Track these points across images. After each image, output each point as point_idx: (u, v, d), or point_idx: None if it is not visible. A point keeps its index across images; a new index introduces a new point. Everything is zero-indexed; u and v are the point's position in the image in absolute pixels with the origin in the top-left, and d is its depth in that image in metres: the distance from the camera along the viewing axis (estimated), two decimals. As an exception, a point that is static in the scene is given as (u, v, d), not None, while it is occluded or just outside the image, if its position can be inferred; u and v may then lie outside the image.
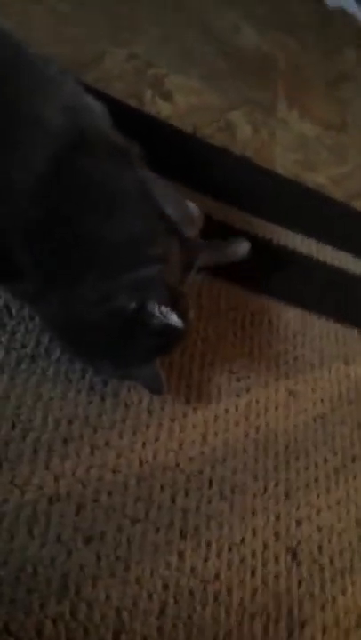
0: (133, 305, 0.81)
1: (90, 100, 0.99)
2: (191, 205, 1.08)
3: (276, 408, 1.02)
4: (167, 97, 1.42)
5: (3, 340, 0.89)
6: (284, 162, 1.46)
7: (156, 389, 0.90)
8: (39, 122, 0.88)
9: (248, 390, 1.02)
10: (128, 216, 0.90)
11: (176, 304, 0.83)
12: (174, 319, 0.80)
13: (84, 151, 0.88)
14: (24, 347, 0.90)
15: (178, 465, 0.89)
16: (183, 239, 0.99)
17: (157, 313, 0.80)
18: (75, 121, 0.90)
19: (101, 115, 0.99)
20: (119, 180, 0.91)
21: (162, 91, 1.42)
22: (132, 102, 1.36)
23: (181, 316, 0.82)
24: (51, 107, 0.90)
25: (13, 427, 0.83)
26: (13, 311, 0.92)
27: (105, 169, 0.90)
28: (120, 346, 0.84)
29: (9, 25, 1.04)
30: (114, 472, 0.85)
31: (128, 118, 1.07)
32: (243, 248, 1.12)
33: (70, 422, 0.87)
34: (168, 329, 0.82)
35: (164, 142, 1.29)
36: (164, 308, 0.80)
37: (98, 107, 1.00)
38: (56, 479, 0.81)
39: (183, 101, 1.44)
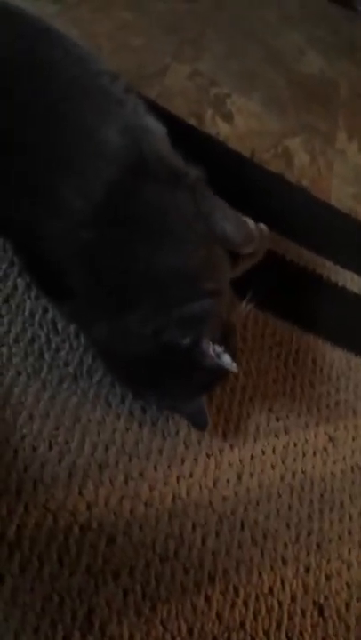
0: (187, 341, 0.79)
1: (151, 120, 0.98)
2: (253, 224, 1.05)
3: (315, 453, 0.99)
4: (228, 118, 1.40)
5: (47, 356, 0.88)
6: (340, 194, 1.43)
7: (199, 424, 0.88)
8: (98, 142, 0.87)
9: (287, 432, 1.00)
10: (183, 246, 0.88)
11: (228, 342, 0.81)
12: (227, 361, 0.78)
13: (142, 176, 0.87)
14: (67, 365, 0.89)
15: (211, 504, 0.87)
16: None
17: (211, 352, 0.78)
18: (134, 143, 0.89)
19: (161, 137, 0.97)
20: (176, 208, 0.89)
21: (223, 111, 1.41)
22: (192, 121, 1.35)
23: (232, 355, 0.79)
24: (111, 127, 0.88)
25: (50, 448, 0.81)
26: (59, 327, 0.91)
27: (162, 195, 0.88)
28: (168, 380, 0.82)
29: (75, 33, 1.03)
30: (146, 505, 0.83)
31: (187, 137, 1.05)
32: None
33: (107, 448, 0.85)
34: (219, 368, 0.80)
35: (221, 164, 1.27)
36: (217, 348, 0.78)
37: (158, 128, 0.98)
38: (89, 507, 0.79)
39: (243, 124, 1.42)
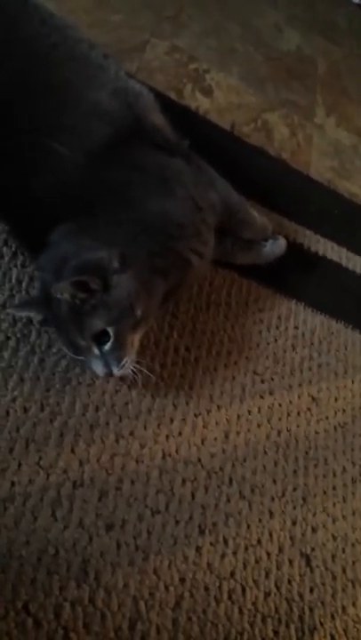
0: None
1: (136, 84, 1.01)
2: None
3: (298, 413, 1.02)
4: (207, 92, 1.42)
5: (35, 321, 0.89)
6: (319, 167, 1.45)
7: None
8: (88, 103, 0.90)
9: (271, 393, 1.02)
10: (181, 201, 0.92)
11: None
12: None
13: (139, 139, 0.91)
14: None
15: (199, 460, 0.89)
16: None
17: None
18: (128, 107, 0.93)
19: (151, 102, 1.01)
20: (176, 171, 0.94)
21: (202, 86, 1.42)
22: (172, 95, 1.36)
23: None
24: (100, 90, 0.92)
25: (42, 409, 0.83)
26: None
27: (160, 157, 0.93)
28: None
29: (53, 7, 1.04)
30: (137, 462, 0.85)
31: (167, 110, 1.06)
32: (280, 247, 1.12)
33: (97, 409, 0.87)
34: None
35: (202, 137, 1.28)
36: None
37: (146, 92, 1.02)
38: (81, 464, 0.81)
39: (222, 98, 1.43)
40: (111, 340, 0.78)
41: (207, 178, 1.03)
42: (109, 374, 0.80)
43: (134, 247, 0.82)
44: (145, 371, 0.84)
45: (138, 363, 0.84)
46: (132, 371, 0.82)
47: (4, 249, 0.93)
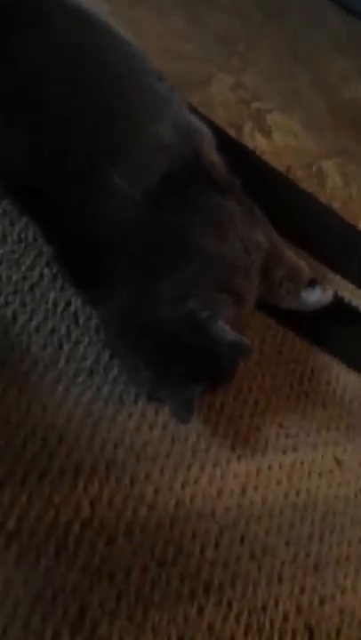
0: (205, 314, 0.81)
1: (197, 121, 1.01)
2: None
3: (320, 474, 0.99)
4: (266, 133, 1.41)
5: (65, 348, 0.88)
6: (369, 220, 1.43)
7: (182, 417, 0.85)
8: (150, 135, 0.91)
9: (295, 449, 0.99)
10: (233, 244, 0.92)
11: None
12: (236, 339, 0.81)
13: (194, 176, 0.92)
14: (84, 359, 0.89)
15: (213, 514, 0.86)
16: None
17: (223, 330, 0.81)
18: (187, 142, 0.93)
19: (209, 139, 1.01)
20: (229, 213, 0.94)
21: (262, 126, 1.41)
22: (231, 131, 1.35)
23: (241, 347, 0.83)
24: (162, 123, 0.93)
25: (60, 441, 0.81)
26: (80, 321, 0.91)
27: (213, 198, 0.93)
28: (172, 356, 0.83)
29: (127, 33, 1.05)
30: (149, 508, 0.82)
31: (225, 146, 1.06)
32: (326, 297, 1.09)
33: (116, 446, 0.85)
34: (226, 350, 0.82)
35: (256, 176, 1.27)
36: (230, 330, 0.81)
37: (206, 130, 1.02)
38: (92, 504, 0.78)
39: (281, 140, 1.42)
40: None
41: (255, 219, 1.03)
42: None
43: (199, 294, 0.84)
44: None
45: None
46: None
47: (45, 270, 0.92)
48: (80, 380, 0.87)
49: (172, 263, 0.87)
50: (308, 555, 0.91)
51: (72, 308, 0.91)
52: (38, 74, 0.86)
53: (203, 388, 0.86)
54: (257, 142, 1.38)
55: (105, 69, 0.91)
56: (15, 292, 0.88)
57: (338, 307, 1.19)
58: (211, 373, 0.86)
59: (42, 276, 0.91)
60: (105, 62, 0.92)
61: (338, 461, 1.02)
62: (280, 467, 0.96)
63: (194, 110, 1.07)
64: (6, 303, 0.87)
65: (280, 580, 0.87)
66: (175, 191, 0.89)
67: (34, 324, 0.88)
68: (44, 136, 0.85)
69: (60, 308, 0.91)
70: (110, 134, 0.87)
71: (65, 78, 0.87)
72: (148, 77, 0.98)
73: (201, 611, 0.79)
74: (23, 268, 0.91)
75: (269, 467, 0.95)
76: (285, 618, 0.85)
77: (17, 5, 0.90)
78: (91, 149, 0.85)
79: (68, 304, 0.91)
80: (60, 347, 0.87)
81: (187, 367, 0.84)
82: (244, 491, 0.91)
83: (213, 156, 1.00)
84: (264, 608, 0.84)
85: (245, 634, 0.81)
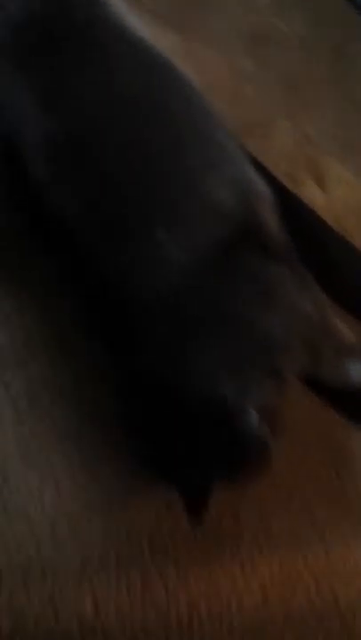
0: (236, 403, 0.74)
1: (255, 176, 0.96)
2: None
3: (351, 578, 0.88)
4: (323, 185, 1.33)
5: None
6: None
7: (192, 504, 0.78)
8: (206, 198, 0.86)
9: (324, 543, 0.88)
10: (283, 317, 0.86)
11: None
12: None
13: (248, 241, 0.86)
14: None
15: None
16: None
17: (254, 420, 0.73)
18: (246, 207, 0.88)
19: (270, 203, 0.95)
20: (280, 283, 0.88)
21: (319, 178, 1.34)
22: (286, 180, 1.28)
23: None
24: (218, 178, 0.88)
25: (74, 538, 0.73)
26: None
27: (268, 267, 0.87)
28: (191, 436, 0.75)
29: (190, 69, 0.99)
30: (157, 616, 0.74)
31: (278, 197, 0.99)
32: None
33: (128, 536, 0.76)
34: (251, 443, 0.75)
35: (309, 231, 1.21)
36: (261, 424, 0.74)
37: (263, 188, 0.97)
38: (96, 610, 0.70)
39: (335, 193, 1.35)
40: None
41: (306, 286, 0.95)
42: None
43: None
44: None
45: None
46: None
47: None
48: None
49: (207, 333, 0.80)
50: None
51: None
52: (95, 117, 0.83)
53: (222, 474, 0.78)
54: (312, 194, 1.30)
55: (166, 117, 0.87)
56: None
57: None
58: (232, 464, 0.78)
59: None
60: (167, 109, 0.88)
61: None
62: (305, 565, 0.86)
63: (249, 157, 1.00)
64: None
65: None
66: (225, 257, 0.83)
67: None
68: (98, 187, 0.82)
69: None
70: (167, 191, 0.83)
71: (124, 124, 0.83)
72: (209, 124, 0.94)
73: None
74: None
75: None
76: None
77: (76, 38, 0.85)
78: (146, 207, 0.82)
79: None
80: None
81: (207, 451, 0.77)
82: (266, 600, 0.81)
83: (270, 218, 0.94)
84: None
85: None
